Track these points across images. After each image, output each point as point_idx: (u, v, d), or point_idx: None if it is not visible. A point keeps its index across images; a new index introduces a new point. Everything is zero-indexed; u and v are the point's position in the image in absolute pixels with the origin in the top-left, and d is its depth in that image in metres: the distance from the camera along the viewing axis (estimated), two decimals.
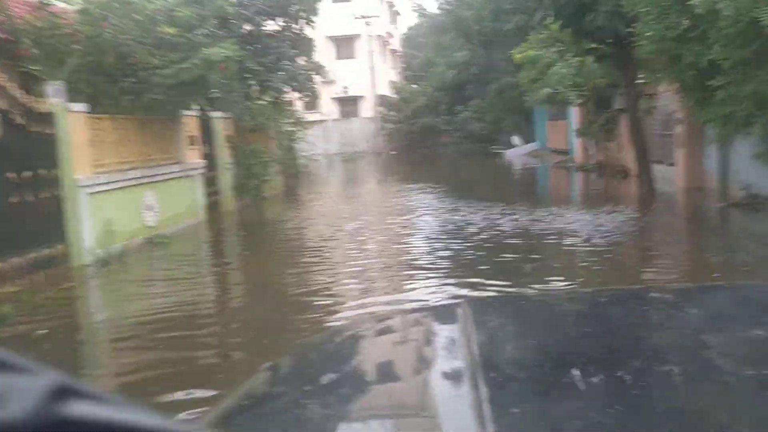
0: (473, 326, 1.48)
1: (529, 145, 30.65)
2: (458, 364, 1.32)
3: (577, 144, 23.11)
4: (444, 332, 1.68)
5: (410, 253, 10.10)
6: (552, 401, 1.14)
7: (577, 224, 11.34)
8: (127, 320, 7.37)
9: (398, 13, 60.05)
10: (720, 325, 1.52)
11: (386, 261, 9.68)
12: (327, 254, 10.52)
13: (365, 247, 10.68)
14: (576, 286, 7.23)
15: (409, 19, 61.62)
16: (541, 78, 20.30)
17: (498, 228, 11.28)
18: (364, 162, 36.30)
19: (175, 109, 13.04)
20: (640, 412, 1.07)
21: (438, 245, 10.32)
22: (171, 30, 11.50)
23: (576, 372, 1.20)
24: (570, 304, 1.90)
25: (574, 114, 22.92)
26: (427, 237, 11.27)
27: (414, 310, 2.54)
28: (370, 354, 1.64)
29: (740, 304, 1.68)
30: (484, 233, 11.00)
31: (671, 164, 16.23)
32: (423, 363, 1.53)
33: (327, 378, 1.43)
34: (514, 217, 12.35)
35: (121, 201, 11.45)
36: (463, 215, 12.97)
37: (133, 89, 11.76)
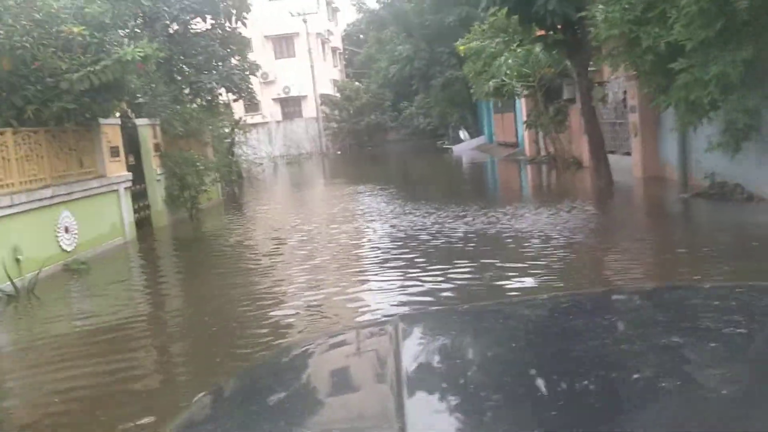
0: (403, 343, 1.54)
1: (476, 139, 29.97)
2: (385, 382, 1.38)
3: (526, 137, 22.46)
4: (373, 351, 1.72)
5: (358, 268, 9.07)
6: (478, 415, 1.15)
7: (535, 224, 10.49)
8: (24, 381, 6.13)
9: (337, 10, 58.80)
10: (651, 328, 1.52)
11: (334, 280, 8.62)
12: (267, 274, 9.39)
13: (310, 263, 9.59)
14: (539, 293, 6.35)
15: (348, 16, 60.69)
16: (486, 70, 19.53)
17: (451, 233, 10.35)
18: (309, 164, 35.10)
19: (91, 118, 11.68)
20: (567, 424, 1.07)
21: (388, 256, 9.32)
22: (77, 29, 10.17)
23: (505, 382, 1.28)
24: (502, 315, 1.88)
25: (522, 106, 22.24)
26: (375, 247, 10.24)
27: (346, 330, 2.57)
28: (300, 379, 1.64)
29: (678, 307, 1.69)
30: (437, 239, 10.06)
31: (627, 153, 15.60)
32: (351, 383, 1.54)
33: (260, 403, 1.47)
34: (468, 219, 11.45)
35: (30, 224, 10.09)
36: (413, 220, 12.01)
37: (38, 97, 10.39)
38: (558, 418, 1.10)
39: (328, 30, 51.57)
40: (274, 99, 46.23)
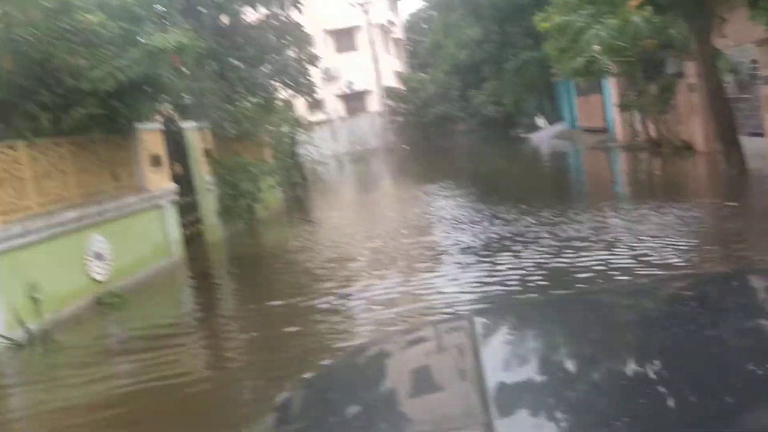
0: (480, 338, 1.54)
1: (556, 126, 27.29)
2: (466, 378, 1.39)
3: (617, 120, 19.76)
4: (451, 347, 1.68)
5: (442, 297, 6.97)
6: (565, 409, 1.12)
7: (668, 227, 8.11)
8: None
9: None
10: (722, 317, 1.46)
11: (419, 310, 6.56)
12: (338, 303, 7.38)
13: (387, 292, 7.52)
14: None
15: (410, 5, 58.39)
16: (573, 46, 16.98)
17: (559, 248, 8.09)
18: (375, 161, 33.12)
19: (124, 123, 9.94)
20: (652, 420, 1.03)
21: (477, 284, 7.17)
22: (97, 18, 8.38)
23: (586, 377, 1.25)
24: (577, 305, 1.80)
25: (611, 86, 19.57)
26: (462, 267, 8.10)
27: (421, 326, 2.42)
28: (380, 377, 1.61)
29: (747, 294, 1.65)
30: (545, 257, 7.83)
31: (756, 134, 12.89)
32: (432, 381, 1.50)
33: (344, 403, 1.48)
34: (571, 225, 9.17)
35: (52, 254, 8.39)
36: (498, 229, 9.80)
37: (57, 103, 8.68)
38: (646, 411, 1.04)
39: (390, 20, 49.47)
40: (337, 95, 44.47)
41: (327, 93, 44.97)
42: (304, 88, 17.09)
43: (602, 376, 1.24)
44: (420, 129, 41.78)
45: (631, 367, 1.26)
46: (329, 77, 44.27)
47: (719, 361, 1.21)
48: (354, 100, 44.92)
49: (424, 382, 1.50)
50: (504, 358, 1.43)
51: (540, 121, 27.79)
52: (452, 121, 43.04)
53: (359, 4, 39.36)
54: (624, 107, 17.88)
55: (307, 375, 1.92)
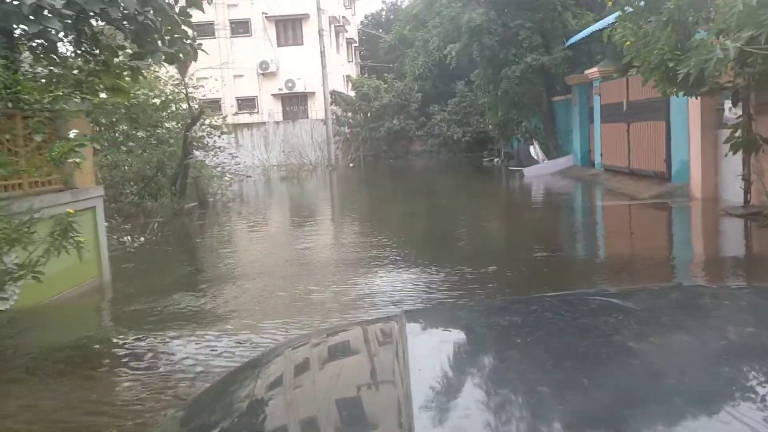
0: (408, 339, 1.47)
1: (559, 159, 19.62)
2: (391, 380, 1.35)
3: (696, 163, 12.11)
4: (378, 347, 1.62)
5: None
6: (487, 413, 1.11)
7: None
8: None
9: None
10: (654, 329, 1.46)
11: None
12: None
13: None
14: None
15: (368, 5, 50.79)
16: (680, 38, 9.37)
17: None
18: (311, 181, 24.79)
19: None
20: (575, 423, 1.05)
21: None
22: None
23: (511, 382, 1.22)
24: (508, 312, 1.74)
25: (693, 109, 12.00)
26: None
27: (348, 326, 2.34)
28: (300, 378, 1.53)
29: (672, 307, 1.64)
30: None
31: None
32: (354, 382, 1.44)
33: (257, 405, 1.40)
34: None
35: None
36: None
37: None
38: (566, 416, 1.07)
39: (344, 17, 41.39)
40: (274, 94, 36.05)
41: (262, 91, 36.60)
42: (177, 48, 8.50)
43: (526, 383, 1.19)
44: (369, 144, 33.74)
45: (555, 375, 1.22)
46: (266, 72, 35.84)
47: (638, 372, 1.20)
48: (294, 102, 36.52)
49: (346, 382, 1.42)
50: (431, 360, 1.33)
51: (534, 150, 20.09)
52: (408, 138, 35.20)
53: None
54: (740, 147, 10.12)
55: (214, 380, 1.68)
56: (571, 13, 18.15)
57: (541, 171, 19.15)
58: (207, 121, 21.00)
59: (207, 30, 36.30)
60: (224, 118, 21.73)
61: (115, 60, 7.95)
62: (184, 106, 18.65)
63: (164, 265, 9.34)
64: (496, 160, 26.83)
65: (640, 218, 11.59)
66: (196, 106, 16.33)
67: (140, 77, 8.68)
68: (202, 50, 8.10)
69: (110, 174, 17.13)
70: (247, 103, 36.68)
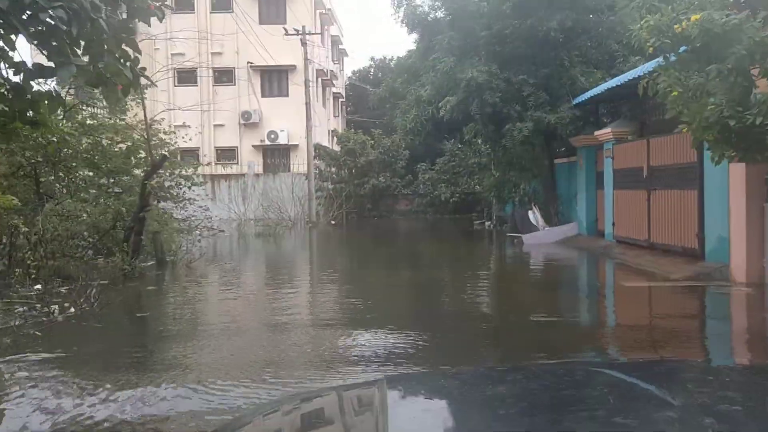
0: (390, 407, 1.42)
1: (561, 227, 17.74)
2: None
3: (738, 240, 10.25)
4: (358, 415, 1.55)
5: None
6: None
7: None
8: None
9: (345, 54, 47.77)
10: (634, 403, 1.44)
11: None
12: None
13: None
14: None
15: (357, 62, 49.81)
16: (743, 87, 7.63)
17: None
18: (288, 240, 22.62)
19: None
20: None
21: None
22: None
23: None
24: (493, 381, 1.72)
25: (737, 175, 10.24)
26: None
27: (327, 391, 2.09)
28: None
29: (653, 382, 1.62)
30: None
31: None
32: None
33: None
34: None
35: None
36: None
37: None
38: None
39: (332, 71, 40.14)
40: (255, 146, 34.28)
41: (244, 141, 34.80)
42: (105, 68, 6.39)
43: None
44: (353, 202, 31.83)
45: None
46: (248, 122, 34.14)
47: None
48: (276, 155, 34.72)
49: None
50: (413, 429, 1.31)
51: (533, 215, 18.22)
52: (393, 196, 33.39)
53: (297, 32, 29.65)
54: None
55: None
56: (580, 69, 16.59)
57: (542, 239, 17.24)
58: (177, 171, 19.04)
59: (189, 78, 34.80)
60: (195, 167, 19.66)
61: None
62: (144, 153, 16.71)
63: (75, 354, 7.11)
64: (487, 223, 24.97)
65: (679, 308, 9.44)
66: (164, 153, 14.28)
67: (62, 108, 6.64)
68: (146, 77, 6.09)
69: (59, 225, 14.95)
70: (226, 154, 34.82)
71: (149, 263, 14.11)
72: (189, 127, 34.03)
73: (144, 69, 6.07)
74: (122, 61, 5.69)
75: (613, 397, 1.49)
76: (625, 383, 1.62)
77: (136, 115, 18.81)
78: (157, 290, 11.61)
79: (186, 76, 34.75)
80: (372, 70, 49.23)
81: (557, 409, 1.39)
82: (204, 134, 34.56)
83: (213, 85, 34.73)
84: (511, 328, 8.03)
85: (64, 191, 16.73)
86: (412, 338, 7.14)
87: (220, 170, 33.21)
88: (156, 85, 7.10)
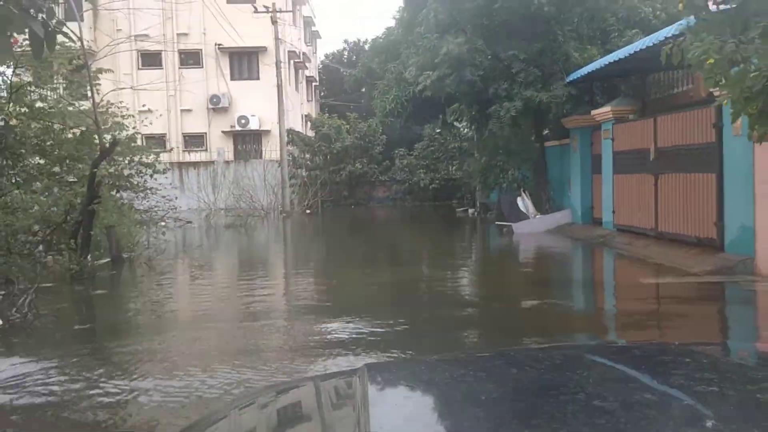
0: (370, 396, 1.40)
1: (554, 214, 16.52)
2: None
3: (765, 227, 9.10)
4: (337, 404, 1.55)
5: None
6: None
7: None
8: None
9: (318, 36, 45.99)
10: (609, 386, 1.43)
11: None
12: None
13: None
14: None
15: (330, 46, 48.14)
16: None
17: None
18: (260, 231, 21.13)
19: None
20: None
21: None
22: None
23: None
24: (474, 366, 1.70)
25: (754, 157, 9.07)
26: None
27: (305, 380, 2.02)
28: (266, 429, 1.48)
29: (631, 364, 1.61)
30: None
31: None
32: None
33: None
34: None
35: None
36: None
37: None
38: None
39: (304, 53, 38.43)
40: (225, 132, 32.53)
41: (213, 127, 33.00)
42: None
43: None
44: (329, 189, 30.34)
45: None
46: (217, 107, 32.34)
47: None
48: (247, 141, 32.99)
49: None
50: (394, 417, 1.29)
51: (522, 202, 16.98)
52: (370, 183, 31.99)
53: (267, 9, 27.91)
54: None
55: None
56: (573, 45, 15.30)
57: (534, 227, 16.00)
58: (137, 158, 17.41)
59: (154, 60, 32.87)
60: (157, 154, 18.05)
61: None
62: (108, 136, 15.06)
63: None
64: (471, 211, 23.71)
65: (730, 314, 8.21)
66: (114, 136, 12.64)
67: None
68: (65, 34, 4.61)
69: (3, 219, 13.31)
70: (195, 140, 33.02)
71: (103, 261, 12.56)
72: (152, 112, 32.31)
73: (62, 24, 4.59)
74: (27, 8, 4.20)
75: (597, 380, 1.46)
76: (609, 366, 1.60)
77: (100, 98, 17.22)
78: (107, 294, 10.06)
79: (150, 59, 32.84)
80: (346, 53, 47.59)
81: (542, 393, 1.36)
82: (170, 120, 32.75)
83: (179, 68, 32.84)
84: (511, 343, 6.70)
85: (13, 180, 15.03)
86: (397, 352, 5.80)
87: (188, 157, 31.52)
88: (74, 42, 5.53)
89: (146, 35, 32.35)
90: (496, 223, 17.72)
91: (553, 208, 17.00)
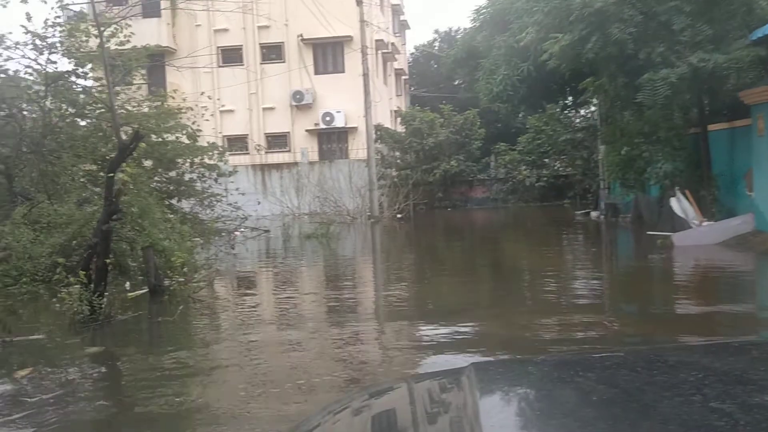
0: (478, 393, 1.37)
1: (733, 220, 12.19)
2: None
3: None
4: (448, 400, 1.53)
5: None
6: None
7: None
8: None
9: (407, 27, 42.54)
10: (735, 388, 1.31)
11: None
12: None
13: None
14: None
15: (420, 37, 44.57)
16: None
17: None
18: (345, 240, 17.86)
19: None
20: None
21: None
22: None
23: None
24: (582, 367, 1.58)
25: None
26: None
27: (412, 378, 1.96)
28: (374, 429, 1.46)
29: None
30: None
31: None
32: None
33: None
34: None
35: None
36: None
37: None
38: None
39: (393, 44, 35.08)
40: (309, 130, 29.66)
41: (296, 125, 30.22)
42: None
43: None
44: (421, 191, 26.78)
45: None
46: (300, 104, 29.52)
47: None
48: (332, 140, 29.99)
49: None
50: (505, 418, 1.25)
51: (677, 203, 12.80)
52: (468, 183, 28.23)
53: None
54: None
55: None
56: None
57: (702, 238, 11.79)
58: (198, 159, 14.58)
59: (234, 56, 30.49)
60: (221, 153, 15.19)
61: None
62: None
63: None
64: (594, 214, 19.52)
65: None
66: (137, 128, 9.51)
67: None
68: None
69: (27, 237, 10.73)
70: (278, 140, 30.36)
71: (139, 292, 9.57)
72: (233, 111, 29.98)
73: None
74: None
75: (710, 380, 1.36)
76: (727, 366, 1.47)
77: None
78: (100, 357, 6.79)
79: (231, 55, 30.44)
80: (437, 44, 43.87)
81: (656, 394, 1.30)
82: (252, 119, 30.27)
83: (260, 63, 30.27)
84: None
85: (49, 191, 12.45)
86: None
87: (270, 159, 28.86)
88: None
89: (226, 29, 30.14)
90: (648, 233, 13.48)
91: (721, 211, 12.72)
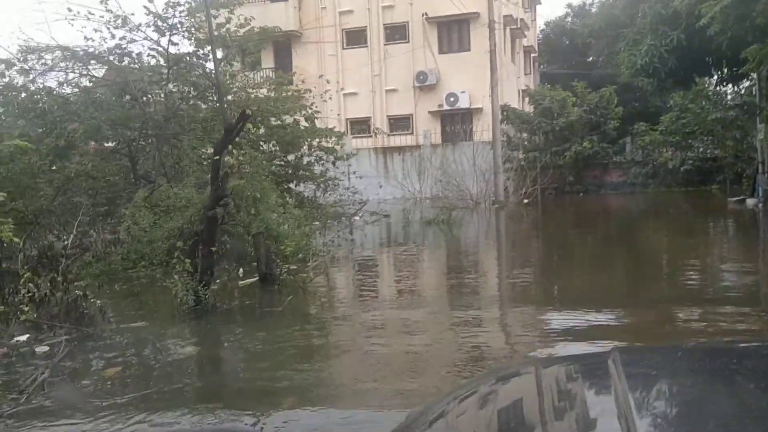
0: (626, 379, 1.32)
1: None
2: (612, 420, 1.20)
3: None
4: (595, 384, 1.48)
5: None
6: None
7: None
8: None
9: (537, 2, 40.28)
10: None
11: None
12: None
13: None
14: None
15: (552, 12, 42.41)
16: None
17: None
18: (467, 227, 16.90)
19: None
20: None
21: None
22: None
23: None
24: (730, 356, 1.56)
25: None
26: None
27: (555, 359, 2.14)
28: (517, 412, 1.44)
29: None
30: None
31: None
32: (575, 418, 1.32)
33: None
34: None
35: None
36: None
37: None
38: None
39: (522, 20, 33.27)
40: (432, 112, 28.86)
41: (419, 107, 29.46)
42: None
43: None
44: (550, 174, 25.13)
45: None
46: (423, 85, 28.72)
47: None
48: (455, 122, 28.98)
49: (565, 418, 1.31)
50: (653, 402, 1.23)
51: None
52: (603, 166, 26.18)
53: None
54: None
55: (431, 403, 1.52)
56: None
57: None
58: (316, 142, 14.18)
59: (358, 38, 30.18)
60: (338, 137, 14.69)
61: None
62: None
63: None
64: (750, 201, 17.18)
65: None
66: (248, 109, 9.06)
67: None
68: None
69: (146, 220, 10.65)
70: (400, 123, 29.78)
71: (250, 280, 9.23)
72: (357, 94, 29.74)
73: None
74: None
75: None
76: None
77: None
78: (204, 356, 6.37)
79: (355, 36, 30.16)
80: (569, 19, 41.27)
81: None
82: (375, 101, 29.90)
83: (384, 44, 29.75)
84: None
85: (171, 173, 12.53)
86: None
87: (392, 142, 28.33)
88: None
89: (350, 11, 29.87)
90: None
91: None
